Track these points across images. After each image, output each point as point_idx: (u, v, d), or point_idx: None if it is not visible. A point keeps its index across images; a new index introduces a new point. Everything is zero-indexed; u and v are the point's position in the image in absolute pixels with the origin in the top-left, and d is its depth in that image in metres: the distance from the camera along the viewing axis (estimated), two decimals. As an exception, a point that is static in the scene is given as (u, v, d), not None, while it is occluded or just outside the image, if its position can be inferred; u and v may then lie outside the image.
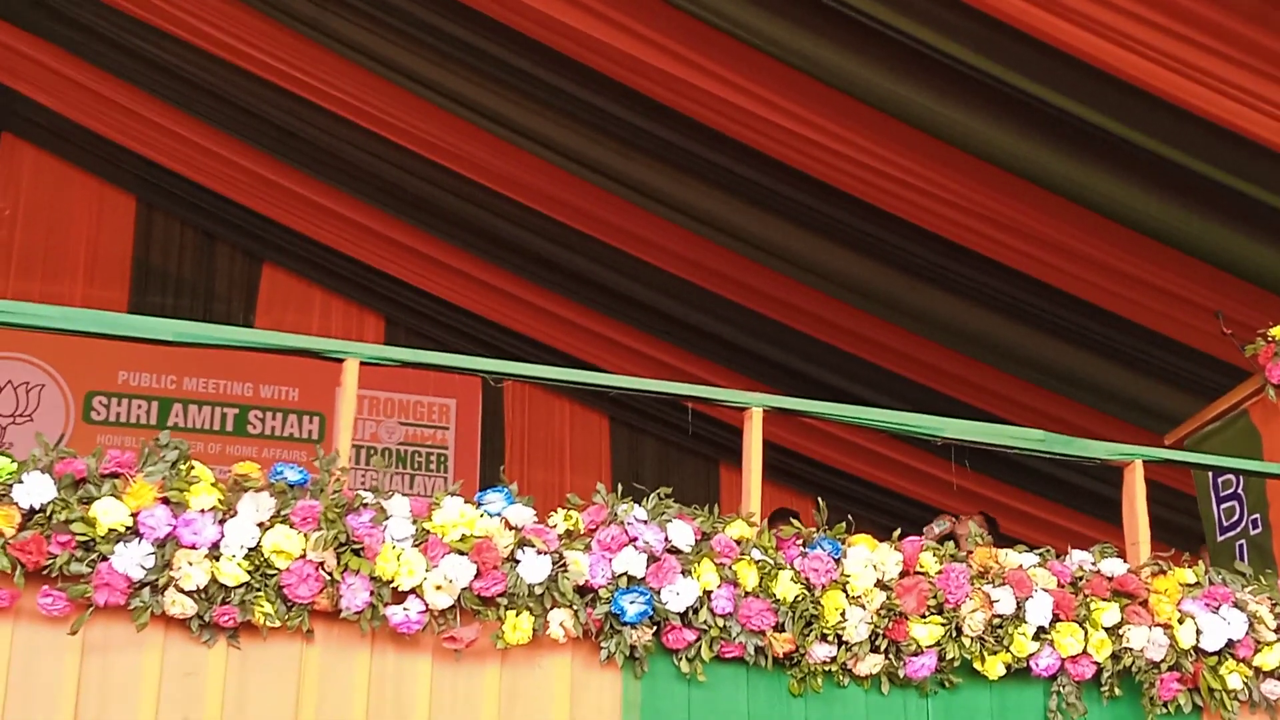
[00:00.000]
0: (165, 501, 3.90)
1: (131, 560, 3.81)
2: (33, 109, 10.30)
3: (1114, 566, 4.79)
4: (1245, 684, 4.77)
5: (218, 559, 3.90)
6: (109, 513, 3.81)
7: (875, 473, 10.01)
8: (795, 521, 4.75)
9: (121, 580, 3.81)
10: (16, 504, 3.76)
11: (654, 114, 7.87)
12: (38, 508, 3.78)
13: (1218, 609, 4.80)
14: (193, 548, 3.88)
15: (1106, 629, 4.65)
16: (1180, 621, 4.73)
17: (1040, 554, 4.79)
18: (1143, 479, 5.03)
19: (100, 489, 3.86)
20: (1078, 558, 4.82)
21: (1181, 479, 6.82)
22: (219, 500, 3.96)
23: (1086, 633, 4.64)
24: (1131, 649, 4.65)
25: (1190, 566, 4.91)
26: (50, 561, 3.77)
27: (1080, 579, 4.74)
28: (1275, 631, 4.82)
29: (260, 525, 3.97)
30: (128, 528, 3.84)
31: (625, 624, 4.27)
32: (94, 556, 3.81)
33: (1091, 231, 7.00)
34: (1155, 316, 7.57)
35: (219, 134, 9.80)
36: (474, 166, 9.13)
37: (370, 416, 10.65)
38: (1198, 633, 4.73)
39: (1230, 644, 4.77)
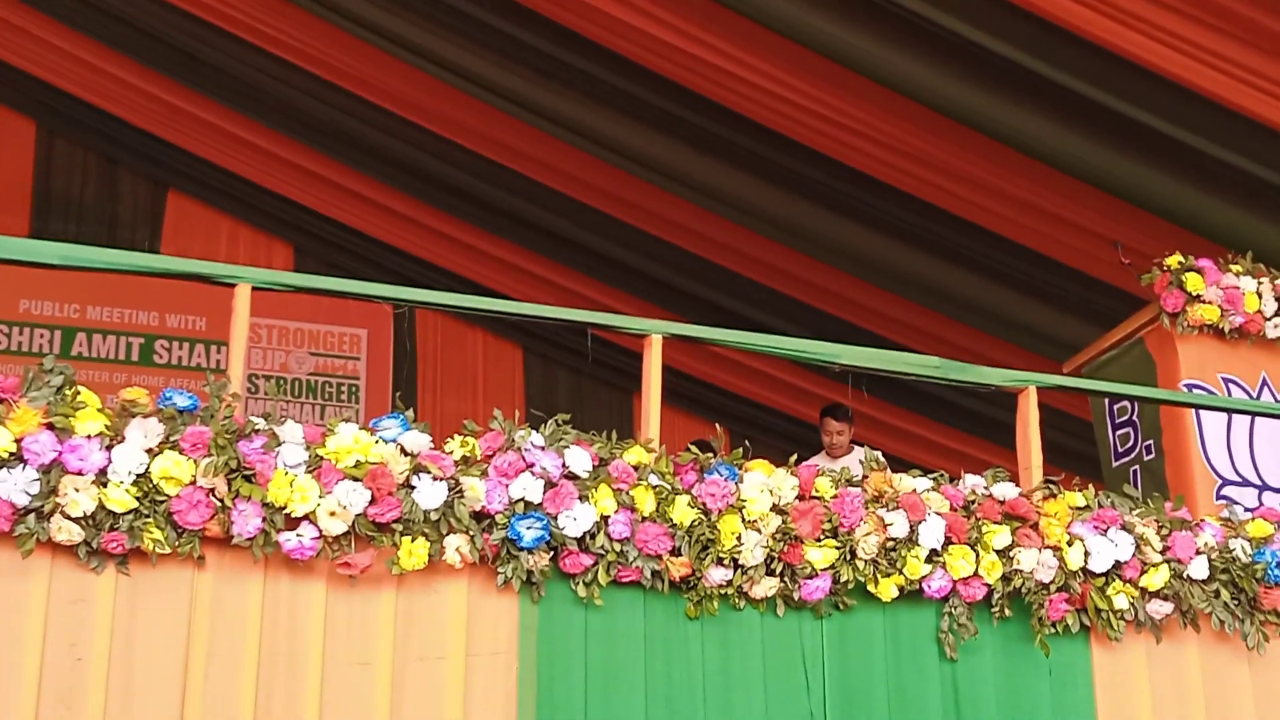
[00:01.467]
0: (50, 427, 3.85)
1: (15, 486, 3.76)
2: (-74, 31, 10.02)
3: (1006, 490, 4.87)
4: (1131, 604, 4.88)
5: (105, 485, 3.85)
6: (-9, 438, 3.75)
7: (778, 399, 10.10)
8: (694, 449, 4.76)
9: (5, 507, 3.75)
10: (-106, 430, 3.69)
11: (566, 42, 7.80)
12: (-83, 433, 3.72)
13: (1106, 531, 4.90)
14: (79, 474, 3.83)
15: (997, 551, 4.74)
16: (1069, 544, 4.82)
17: (934, 478, 4.85)
18: (1036, 405, 5.10)
19: (-18, 415, 3.80)
20: (970, 482, 4.90)
21: (1079, 406, 6.95)
22: (106, 426, 3.90)
23: (978, 555, 4.72)
24: (1021, 571, 4.74)
25: (1081, 490, 5.01)
26: (-69, 488, 3.71)
27: (972, 503, 4.82)
28: (1161, 554, 4.93)
29: (149, 451, 3.92)
30: (11, 454, 3.78)
31: (522, 549, 4.29)
32: (-24, 483, 3.75)
33: (993, 160, 7.05)
34: (1055, 244, 7.66)
35: (121, 58, 9.59)
36: (384, 94, 9.02)
37: (280, 346, 10.56)
38: (1086, 555, 4.82)
39: (1117, 565, 4.87)
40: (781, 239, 8.70)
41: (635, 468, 4.51)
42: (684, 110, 7.93)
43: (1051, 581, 4.77)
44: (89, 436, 3.87)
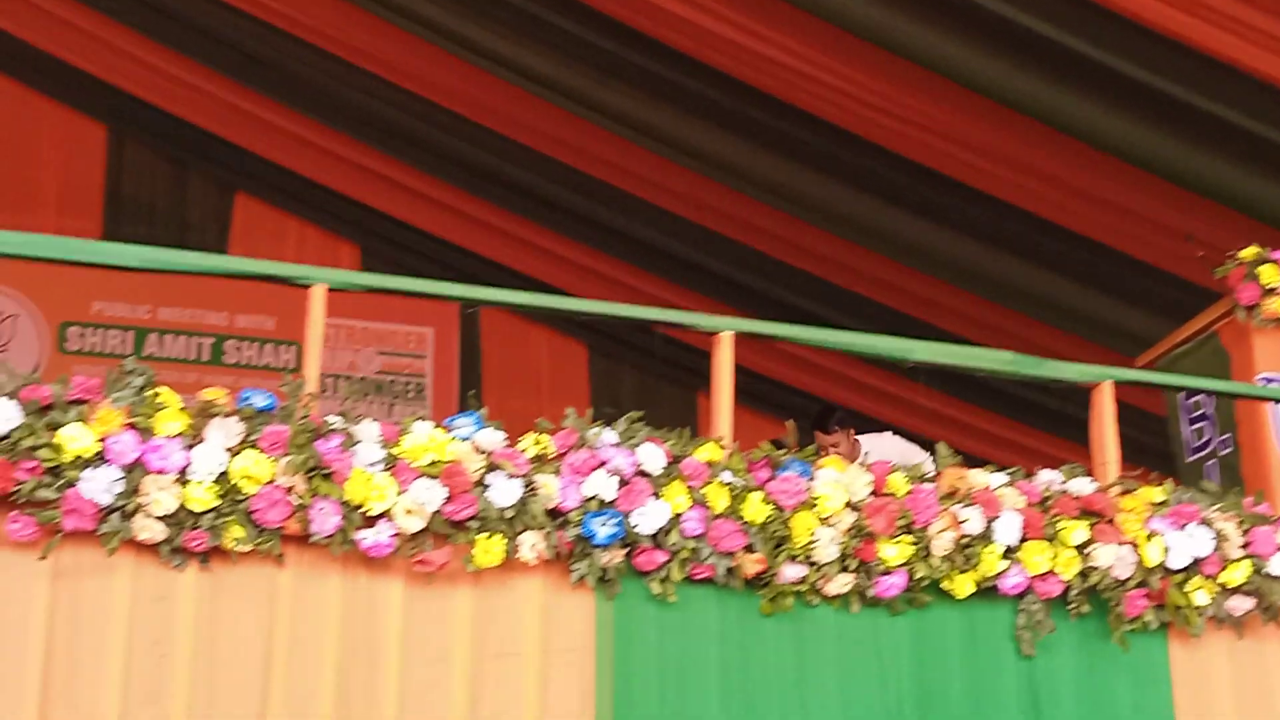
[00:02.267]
0: (132, 427, 3.90)
1: (99, 486, 3.81)
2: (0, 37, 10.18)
3: (1082, 486, 4.83)
4: (1211, 600, 4.82)
5: (186, 484, 3.90)
6: (75, 439, 3.80)
7: (847, 397, 10.03)
8: (769, 446, 4.76)
9: (89, 506, 3.81)
10: (-18, 430, 3.75)
11: (630, 41, 7.81)
12: (3, 434, 3.77)
13: (1184, 527, 4.85)
14: (160, 473, 3.88)
15: (1074, 547, 4.70)
16: (1148, 539, 4.77)
17: (1009, 474, 4.83)
18: (1112, 400, 5.06)
19: (66, 415, 3.85)
20: (1046, 477, 4.86)
21: (1152, 401, 6.86)
22: (186, 426, 3.95)
23: (1055, 551, 4.69)
24: (1099, 567, 4.70)
25: (1158, 485, 4.95)
26: (18, 488, 3.77)
27: (1049, 498, 4.78)
28: (1241, 548, 4.87)
29: (228, 450, 3.97)
30: (95, 454, 3.83)
31: (596, 546, 4.30)
32: (62, 482, 3.80)
33: (1063, 154, 6.98)
34: (1126, 239, 7.57)
35: (190, 62, 9.70)
36: (449, 94, 9.07)
37: (348, 346, 10.63)
38: (1165, 550, 4.77)
39: (1197, 561, 4.81)
40: (845, 234, 8.66)
41: (708, 465, 4.52)
42: (746, 106, 7.92)
43: (1130, 578, 4.72)
44: (170, 436, 3.92)
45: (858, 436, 6.80)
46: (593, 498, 4.33)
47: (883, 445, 6.65)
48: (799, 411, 9.99)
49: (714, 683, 4.44)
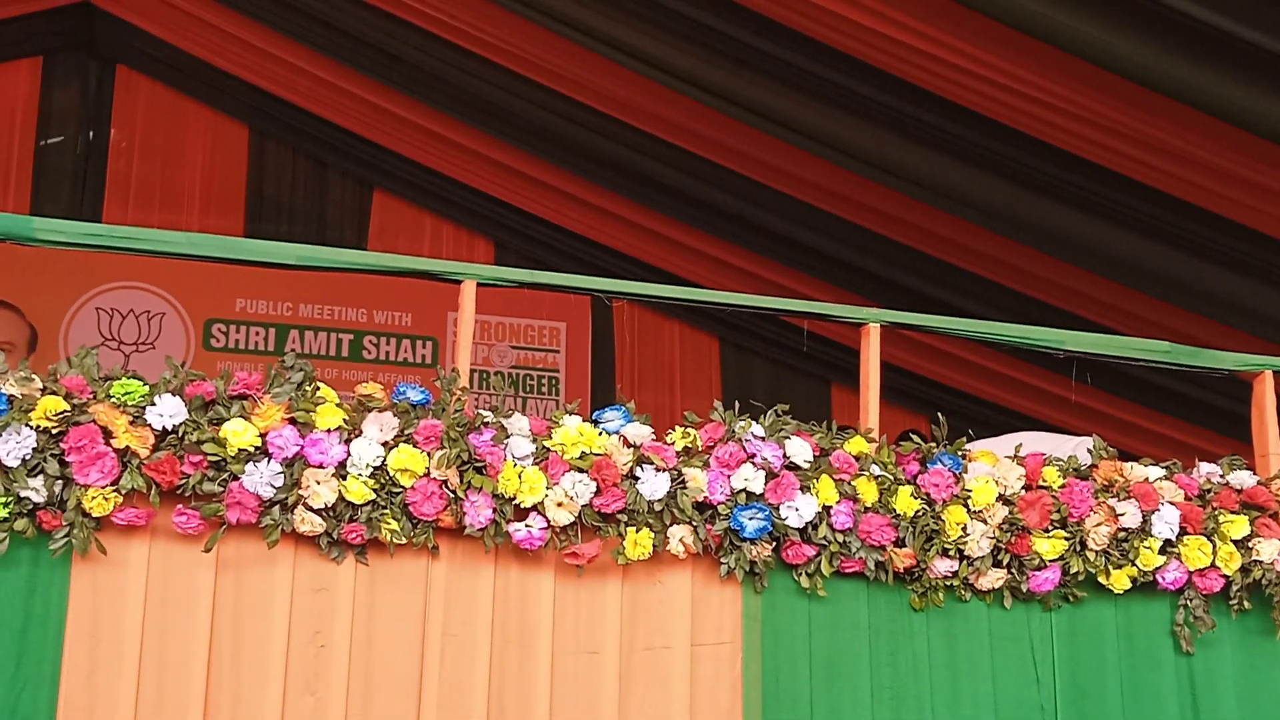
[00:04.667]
0: (292, 422, 3.97)
1: (261, 479, 3.89)
2: (147, 41, 10.45)
3: (1243, 479, 4.71)
4: (1382, 597, 4.67)
5: (344, 477, 3.96)
6: (239, 433, 3.88)
7: (990, 390, 9.88)
8: (915, 437, 4.72)
9: (252, 499, 3.89)
10: (150, 425, 3.85)
11: (764, 30, 7.75)
12: (170, 429, 3.86)
13: (1351, 521, 4.70)
14: (320, 466, 3.95)
15: (1236, 542, 4.59)
16: (1312, 534, 4.64)
17: (1167, 467, 4.73)
18: (1273, 390, 4.93)
19: (229, 410, 3.94)
20: (1205, 470, 4.76)
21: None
22: (344, 420, 4.02)
23: (1215, 546, 4.58)
24: (1262, 562, 4.59)
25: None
26: (183, 481, 3.85)
27: (1208, 491, 4.68)
28: None
29: (384, 444, 4.03)
30: (257, 448, 3.91)
31: (744, 540, 4.29)
32: (225, 476, 3.88)
33: (1211, 136, 6.77)
34: (1277, 223, 7.34)
35: (328, 61, 9.85)
36: (583, 89, 9.09)
37: (482, 341, 10.76)
38: (1331, 546, 4.64)
39: (1365, 557, 4.67)
40: (984, 222, 8.51)
41: (856, 458, 4.48)
42: (886, 96, 7.82)
43: (1294, 573, 4.61)
44: (329, 430, 3.98)
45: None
46: (741, 491, 4.32)
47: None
48: (937, 405, 9.93)
49: (864, 677, 4.42)
